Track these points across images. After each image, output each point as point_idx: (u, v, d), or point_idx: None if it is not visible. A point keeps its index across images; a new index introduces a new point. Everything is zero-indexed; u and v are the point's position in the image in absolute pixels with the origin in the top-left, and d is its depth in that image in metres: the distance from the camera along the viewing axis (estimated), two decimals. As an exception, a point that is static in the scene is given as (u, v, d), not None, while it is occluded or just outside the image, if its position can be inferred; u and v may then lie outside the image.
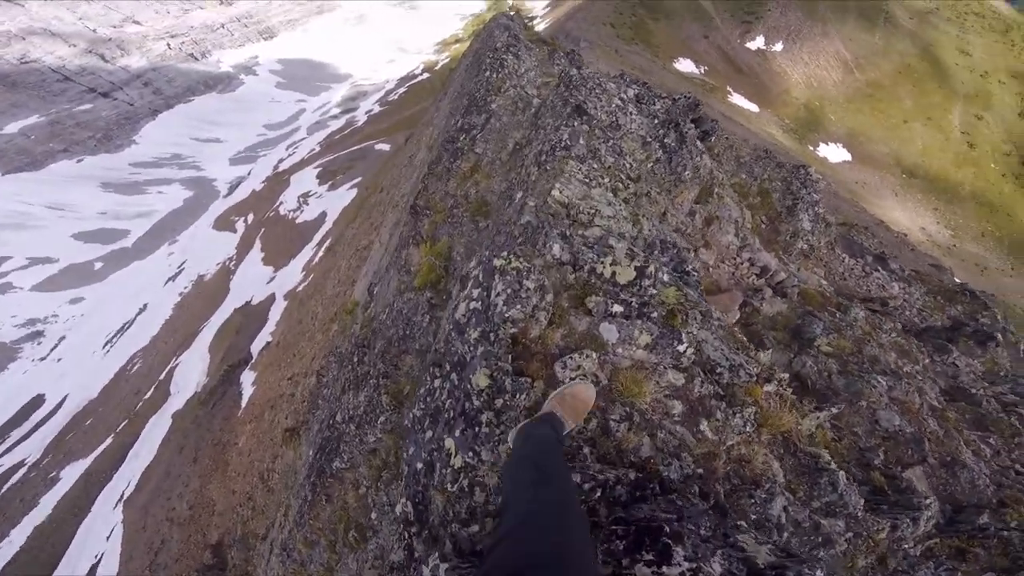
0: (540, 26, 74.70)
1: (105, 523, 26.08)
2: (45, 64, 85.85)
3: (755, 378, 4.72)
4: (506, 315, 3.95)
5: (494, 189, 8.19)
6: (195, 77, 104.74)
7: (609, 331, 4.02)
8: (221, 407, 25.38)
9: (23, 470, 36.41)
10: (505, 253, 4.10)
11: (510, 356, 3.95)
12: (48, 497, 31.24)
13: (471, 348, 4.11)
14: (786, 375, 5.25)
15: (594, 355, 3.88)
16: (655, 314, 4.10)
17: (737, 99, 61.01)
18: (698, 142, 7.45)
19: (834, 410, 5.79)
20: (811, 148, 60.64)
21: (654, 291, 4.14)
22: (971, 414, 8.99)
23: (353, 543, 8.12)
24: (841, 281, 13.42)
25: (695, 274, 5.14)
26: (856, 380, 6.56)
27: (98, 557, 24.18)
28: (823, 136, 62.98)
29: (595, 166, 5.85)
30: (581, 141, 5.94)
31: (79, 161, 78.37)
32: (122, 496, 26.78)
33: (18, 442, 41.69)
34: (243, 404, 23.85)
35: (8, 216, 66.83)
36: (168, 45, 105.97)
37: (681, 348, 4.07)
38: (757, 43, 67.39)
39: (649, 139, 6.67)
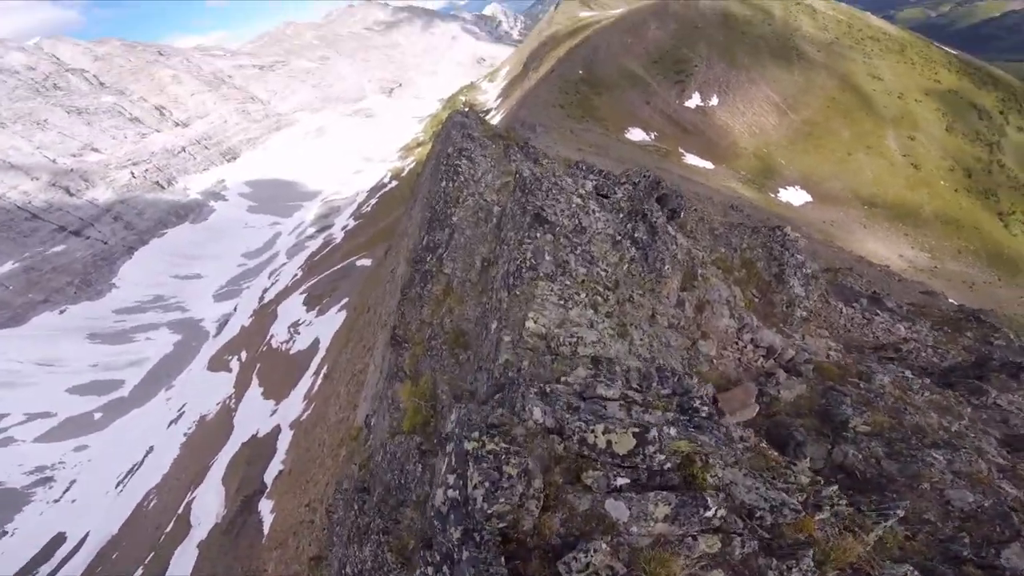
0: (496, 117, 77.88)
1: None
2: (11, 201, 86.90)
3: (803, 511, 3.81)
4: (489, 511, 3.10)
5: (468, 315, 7.51)
6: (164, 207, 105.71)
7: (617, 508, 3.16)
8: (244, 535, 25.00)
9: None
10: (476, 434, 3.28)
11: (503, 558, 3.04)
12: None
13: (455, 547, 3.20)
14: (835, 488, 4.32)
15: (604, 545, 2.98)
16: (670, 479, 3.24)
17: (691, 159, 62.71)
18: (669, 227, 6.91)
19: (899, 512, 4.79)
20: (772, 195, 61.74)
21: (661, 456, 3.30)
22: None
23: None
24: (846, 334, 12.71)
25: (704, 408, 4.35)
26: (909, 462, 5.61)
27: None
28: (779, 181, 64.41)
29: (567, 282, 5.23)
30: (547, 257, 5.35)
31: (62, 312, 77.94)
32: None
33: (47, 579, 39.66)
34: (266, 531, 23.52)
35: (-2, 375, 65.73)
36: (132, 174, 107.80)
37: (709, 513, 3.17)
38: (694, 100, 70.36)
39: (619, 236, 6.10)
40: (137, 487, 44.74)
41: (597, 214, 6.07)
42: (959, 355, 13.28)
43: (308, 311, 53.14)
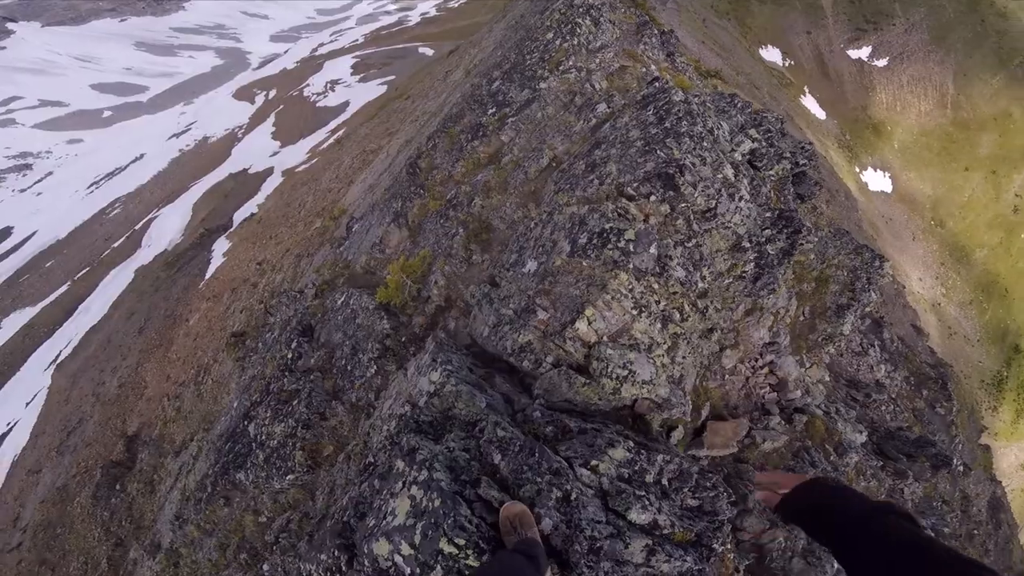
0: None
1: (29, 388, 24.39)
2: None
3: None
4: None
5: (505, 213, 5.95)
6: None
7: None
8: (185, 273, 23.83)
9: (-34, 310, 34.13)
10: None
11: None
12: (-18, 348, 29.23)
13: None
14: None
15: None
16: None
17: (808, 101, 56.54)
18: (802, 241, 5.19)
19: None
20: (858, 169, 56.78)
21: None
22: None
23: (243, 564, 7.24)
24: (838, 358, 12.33)
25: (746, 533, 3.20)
26: (810, 569, 4.83)
27: (10, 425, 22.60)
28: (875, 161, 58.82)
29: (655, 286, 3.74)
30: (652, 250, 3.77)
31: (122, 20, 74.26)
32: (57, 357, 24.99)
33: (-27, 276, 39.58)
34: (207, 275, 22.26)
35: (32, 63, 63.56)
36: None
37: None
38: (861, 53, 61.62)
39: (747, 243, 4.44)
40: (108, 192, 43.62)
41: (742, 198, 4.31)
42: (907, 419, 13.67)
43: (352, 75, 50.12)
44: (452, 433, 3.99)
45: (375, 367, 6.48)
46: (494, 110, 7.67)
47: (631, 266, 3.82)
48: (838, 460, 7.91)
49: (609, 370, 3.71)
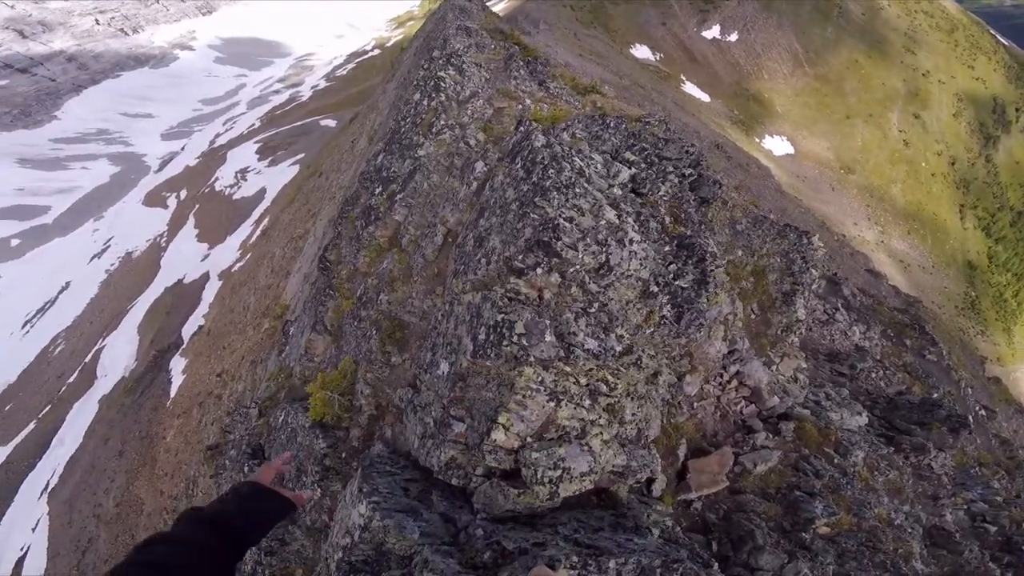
0: (500, 5, 70.37)
1: (29, 514, 24.06)
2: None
3: None
4: None
5: (414, 307, 5.40)
6: (124, 52, 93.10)
7: None
8: (149, 396, 23.62)
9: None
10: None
11: None
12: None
13: None
14: None
15: None
16: None
17: (690, 88, 58.87)
18: (716, 269, 4.83)
19: None
20: (757, 140, 59.45)
21: None
22: (950, 566, 7.27)
23: None
24: (807, 332, 11.68)
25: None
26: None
27: (24, 549, 22.39)
28: (769, 128, 61.86)
29: (567, 368, 3.28)
30: (548, 337, 3.31)
31: None
32: (47, 487, 24.57)
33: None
34: (172, 394, 22.17)
35: (-91, 194, 58.36)
36: (96, 21, 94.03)
37: None
38: (713, 32, 64.97)
39: (655, 286, 4.04)
40: (46, 329, 41.17)
41: (632, 240, 3.90)
42: (903, 379, 12.79)
43: (260, 160, 48.53)
44: (388, 572, 3.53)
45: (319, 489, 5.78)
46: (380, 188, 7.13)
47: (532, 358, 3.33)
48: (843, 462, 7.26)
49: (540, 475, 3.20)
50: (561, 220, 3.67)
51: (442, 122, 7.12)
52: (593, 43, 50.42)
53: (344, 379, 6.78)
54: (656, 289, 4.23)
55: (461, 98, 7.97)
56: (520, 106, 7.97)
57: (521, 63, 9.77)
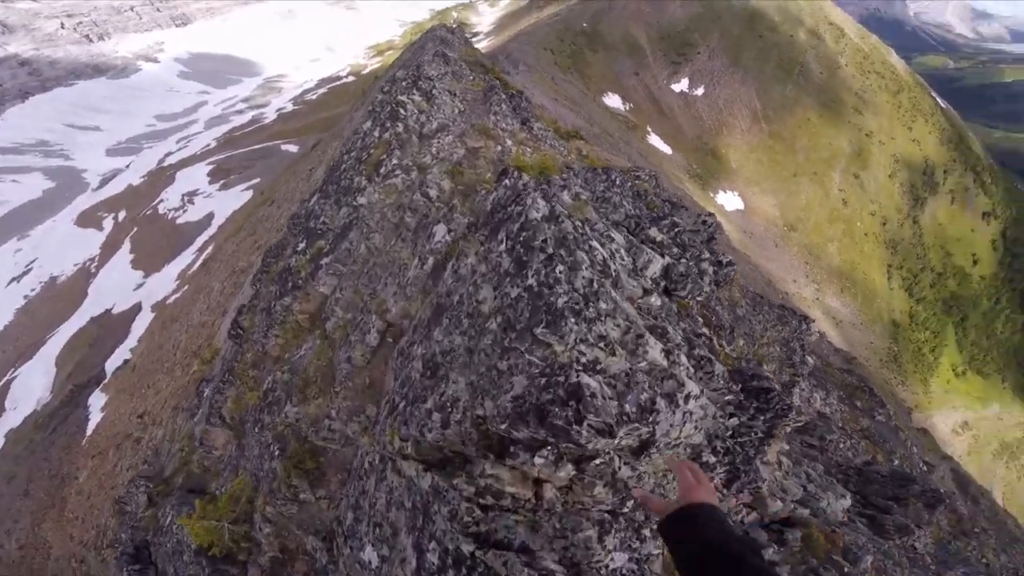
0: (483, 42, 70.66)
1: None
2: None
3: None
4: None
5: (333, 431, 3.58)
6: (84, 60, 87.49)
7: None
8: (62, 433, 21.71)
9: None
10: None
11: None
12: None
13: None
14: None
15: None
16: None
17: (654, 140, 59.59)
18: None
19: None
20: (711, 194, 60.48)
21: None
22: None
23: None
24: None
25: None
26: None
27: None
28: (724, 183, 63.15)
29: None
30: (549, 564, 1.65)
31: None
32: None
33: None
34: (88, 432, 20.26)
35: None
36: (62, 24, 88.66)
37: None
38: (682, 85, 66.45)
39: (709, 453, 2.37)
40: None
41: (690, 396, 2.20)
42: (866, 447, 12.62)
43: (211, 183, 45.38)
44: None
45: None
46: (304, 243, 5.24)
47: None
48: (854, 570, 6.10)
49: None
50: (583, 376, 1.94)
51: (395, 161, 5.30)
52: (568, 88, 50.38)
53: (236, 504, 4.78)
54: (713, 459, 2.56)
55: (425, 131, 6.18)
56: (499, 147, 6.28)
57: (503, 96, 8.15)
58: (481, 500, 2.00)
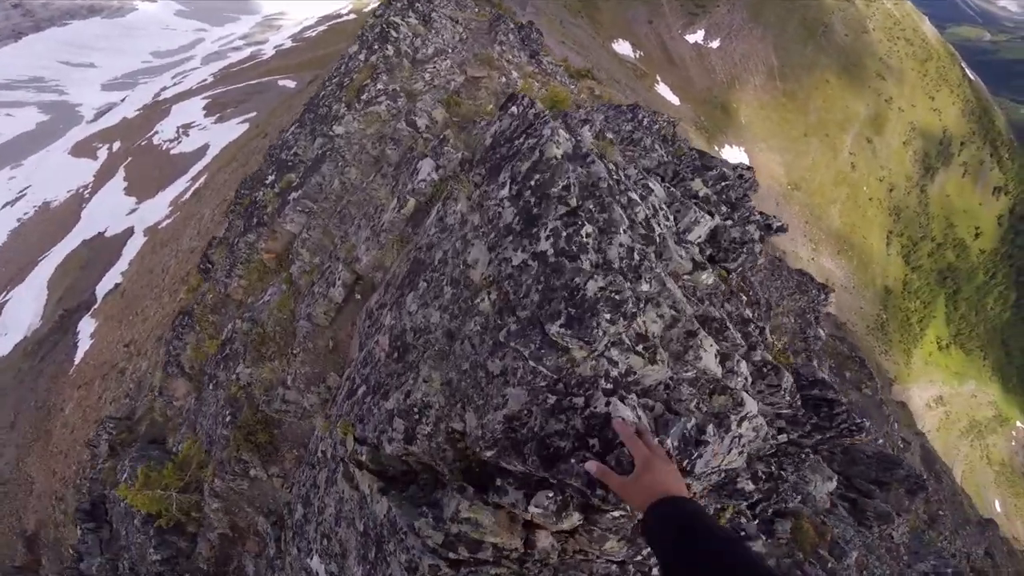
0: None
1: None
2: None
3: None
4: None
5: (288, 401, 2.96)
6: (79, 1, 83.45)
7: None
8: (51, 362, 21.32)
9: None
10: None
11: None
12: None
13: None
14: None
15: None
16: None
17: (662, 89, 57.32)
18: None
19: None
20: (717, 148, 58.76)
21: None
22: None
23: None
24: None
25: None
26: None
27: None
28: (730, 138, 61.25)
29: None
30: None
31: None
32: None
33: None
34: (76, 361, 19.78)
35: None
36: None
37: None
38: (696, 36, 63.42)
39: (747, 482, 1.76)
40: None
41: (747, 416, 1.53)
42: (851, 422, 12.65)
43: (206, 116, 43.78)
44: None
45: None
46: (274, 175, 4.47)
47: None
48: (838, 566, 5.75)
49: None
50: (615, 402, 1.27)
51: (379, 86, 4.44)
52: (577, 32, 47.92)
53: (186, 471, 4.22)
54: (750, 487, 1.93)
55: (419, 56, 5.25)
56: (504, 79, 5.38)
57: (511, 27, 7.15)
58: (451, 554, 1.37)
